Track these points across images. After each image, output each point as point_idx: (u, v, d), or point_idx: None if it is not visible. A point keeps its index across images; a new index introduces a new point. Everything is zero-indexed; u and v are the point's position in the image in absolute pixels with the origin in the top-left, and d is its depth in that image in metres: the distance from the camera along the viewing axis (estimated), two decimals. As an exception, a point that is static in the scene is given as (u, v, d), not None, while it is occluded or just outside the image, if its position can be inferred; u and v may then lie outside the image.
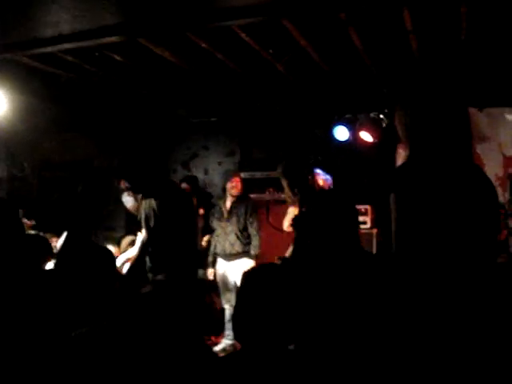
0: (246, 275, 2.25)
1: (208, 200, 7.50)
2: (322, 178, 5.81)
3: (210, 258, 6.65)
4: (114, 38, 4.88)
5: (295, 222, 4.39)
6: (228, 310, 6.62)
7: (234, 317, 2.19)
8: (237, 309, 2.18)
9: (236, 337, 2.19)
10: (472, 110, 6.68)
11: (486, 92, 6.30)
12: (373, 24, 5.07)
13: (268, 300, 2.09)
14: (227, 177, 6.67)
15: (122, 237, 6.66)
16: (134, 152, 4.57)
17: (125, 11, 4.49)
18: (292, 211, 6.12)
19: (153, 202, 4.42)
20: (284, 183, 5.52)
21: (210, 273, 6.64)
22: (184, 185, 6.97)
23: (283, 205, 6.51)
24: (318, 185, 5.84)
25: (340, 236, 3.27)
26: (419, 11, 4.62)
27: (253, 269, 2.41)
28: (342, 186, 6.10)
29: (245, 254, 6.43)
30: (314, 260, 3.07)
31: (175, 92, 7.40)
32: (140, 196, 4.68)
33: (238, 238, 6.44)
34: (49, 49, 4.99)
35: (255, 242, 6.43)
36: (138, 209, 5.73)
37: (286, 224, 5.78)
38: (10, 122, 6.29)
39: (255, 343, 2.06)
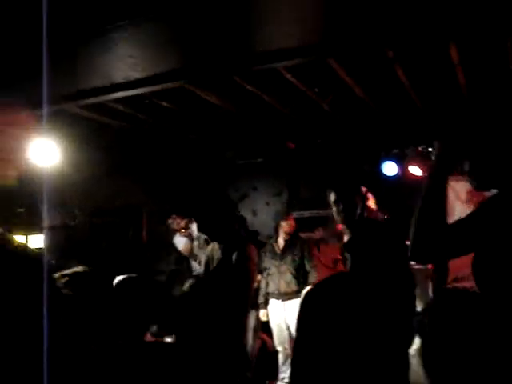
0: (306, 296, 2.20)
1: (255, 239, 7.50)
2: (374, 201, 5.75)
3: (262, 299, 6.59)
4: (169, 84, 4.97)
5: (347, 246, 4.35)
6: (281, 352, 6.53)
7: (294, 351, 2.13)
8: (298, 341, 2.12)
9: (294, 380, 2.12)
10: None
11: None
12: (418, 59, 5.05)
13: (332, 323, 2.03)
14: (281, 215, 6.72)
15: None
16: (208, 194, 4.64)
17: (180, 58, 4.58)
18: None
19: (216, 246, 4.44)
20: (335, 211, 5.48)
21: (263, 313, 6.57)
22: (238, 226, 7.00)
23: (332, 244, 6.49)
24: (370, 209, 5.78)
25: (389, 267, 3.21)
26: (466, 44, 4.59)
27: (312, 288, 2.33)
28: (393, 219, 6.00)
29: (300, 293, 6.37)
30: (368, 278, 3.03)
31: (222, 135, 7.49)
32: (200, 239, 4.71)
33: (293, 276, 6.40)
34: (102, 98, 5.11)
35: (312, 278, 6.38)
36: (190, 250, 5.77)
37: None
38: (62, 170, 6.42)
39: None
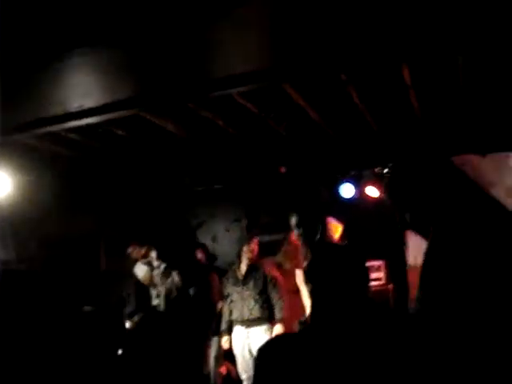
0: (261, 351, 2.13)
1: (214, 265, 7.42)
2: (335, 224, 5.75)
3: (225, 326, 6.46)
4: (124, 112, 4.90)
5: (308, 274, 4.31)
6: (246, 380, 6.42)
7: None
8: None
9: None
10: (475, 157, 6.67)
11: (488, 138, 6.31)
12: (372, 81, 5.11)
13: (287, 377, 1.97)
14: (243, 241, 6.66)
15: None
16: (166, 221, 4.56)
17: (135, 85, 4.53)
18: (300, 273, 6.07)
19: (177, 278, 4.36)
20: (296, 234, 5.44)
21: (225, 341, 6.45)
22: (200, 253, 6.90)
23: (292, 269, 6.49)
24: (330, 234, 5.78)
25: (350, 293, 3.16)
26: (418, 66, 4.65)
27: (266, 344, 2.27)
28: (352, 241, 6.02)
29: (264, 319, 6.29)
30: (329, 324, 2.98)
31: (179, 162, 7.42)
32: (161, 267, 4.61)
33: (256, 302, 6.30)
34: (56, 127, 5.01)
35: (279, 305, 6.30)
36: (150, 279, 5.67)
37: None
38: (13, 202, 6.28)
39: None
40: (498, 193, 6.74)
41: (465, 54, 4.36)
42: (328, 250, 4.33)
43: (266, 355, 2.09)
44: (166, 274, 6.00)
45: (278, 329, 6.22)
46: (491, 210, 2.76)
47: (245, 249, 6.51)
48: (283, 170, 7.33)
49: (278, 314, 6.28)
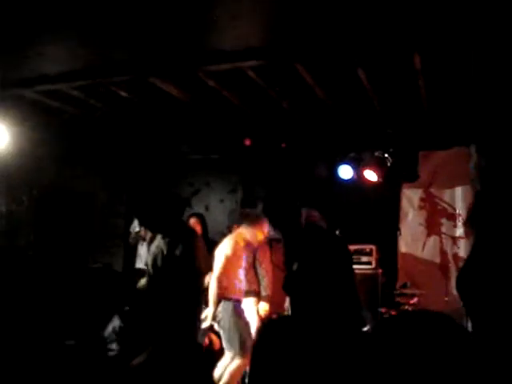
0: (261, 330, 2.12)
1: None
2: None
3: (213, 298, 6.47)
4: (120, 78, 4.84)
5: (285, 261, 4.31)
6: (229, 352, 6.44)
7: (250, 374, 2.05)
8: (253, 366, 2.05)
9: None
10: (441, 152, 6.80)
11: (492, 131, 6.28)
12: (381, 65, 5.05)
13: (285, 355, 1.96)
14: (234, 213, 6.63)
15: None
16: (145, 188, 4.51)
17: (135, 50, 4.46)
18: None
19: (161, 242, 4.33)
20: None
21: (212, 312, 6.45)
22: (193, 220, 6.83)
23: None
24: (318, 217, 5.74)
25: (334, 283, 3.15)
26: (430, 54, 4.60)
27: (265, 325, 2.26)
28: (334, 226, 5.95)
29: (250, 293, 6.29)
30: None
31: (178, 128, 7.36)
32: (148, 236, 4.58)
33: (244, 276, 6.30)
34: (57, 86, 4.94)
35: (265, 282, 6.30)
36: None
37: None
38: (11, 155, 6.22)
39: None
40: (464, 183, 6.78)
41: (477, 48, 4.31)
42: (312, 233, 4.32)
43: (263, 340, 2.09)
44: (152, 238, 5.88)
45: (264, 306, 6.24)
46: None
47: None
48: (248, 142, 7.27)
49: (263, 291, 6.29)
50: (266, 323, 2.19)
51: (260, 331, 2.10)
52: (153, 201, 4.20)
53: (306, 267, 3.71)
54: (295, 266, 3.79)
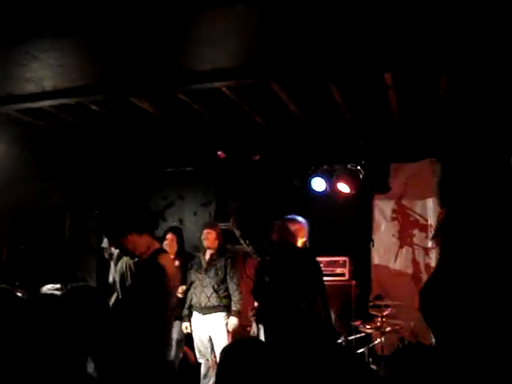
0: (225, 353, 2.15)
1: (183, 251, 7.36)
2: (297, 225, 5.72)
3: (186, 311, 6.48)
4: (97, 97, 4.83)
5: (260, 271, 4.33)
6: (203, 364, 6.45)
7: None
8: None
9: None
10: (411, 165, 6.92)
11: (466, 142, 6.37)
12: (353, 80, 5.12)
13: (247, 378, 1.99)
14: (201, 229, 6.64)
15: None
16: (112, 204, 4.46)
17: (107, 69, 4.45)
18: None
19: (129, 260, 4.30)
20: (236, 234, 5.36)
21: (184, 326, 6.47)
22: (170, 235, 6.83)
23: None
24: (289, 233, 5.73)
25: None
26: (400, 70, 4.67)
27: (230, 346, 2.28)
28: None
29: (220, 307, 6.31)
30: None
31: (150, 141, 7.35)
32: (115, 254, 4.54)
33: (214, 291, 6.32)
34: (28, 105, 4.90)
35: (236, 297, 6.31)
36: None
37: None
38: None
39: None
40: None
41: (448, 64, 4.39)
42: (282, 250, 4.35)
43: (228, 359, 2.11)
44: (120, 255, 5.78)
45: (233, 321, 6.26)
46: None
47: (202, 237, 6.53)
48: (222, 155, 7.29)
49: (233, 306, 6.32)
50: (228, 346, 2.20)
51: (223, 354, 2.13)
52: (118, 217, 4.14)
53: (276, 281, 3.73)
54: (266, 279, 3.81)
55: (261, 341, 2.67)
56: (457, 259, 2.32)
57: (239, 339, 2.51)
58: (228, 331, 6.28)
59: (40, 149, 7.02)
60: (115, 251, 5.59)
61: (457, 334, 2.14)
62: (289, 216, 5.57)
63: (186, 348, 6.79)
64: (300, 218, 5.56)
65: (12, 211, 7.95)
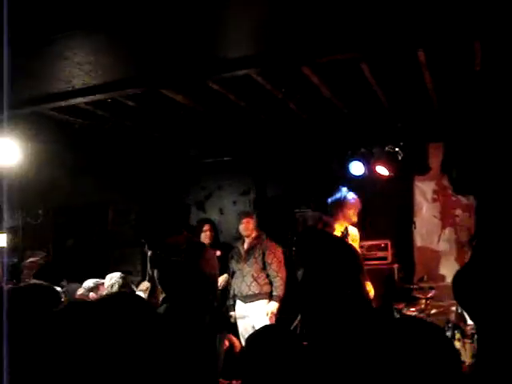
0: (249, 342, 2.14)
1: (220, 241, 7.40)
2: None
3: (230, 301, 6.56)
4: (129, 91, 4.87)
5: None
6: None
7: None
8: (242, 375, 2.07)
9: None
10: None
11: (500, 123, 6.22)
12: (386, 59, 5.03)
13: (271, 367, 1.98)
14: (239, 218, 6.66)
15: (139, 282, 6.59)
16: (148, 210, 4.50)
17: (139, 64, 4.48)
18: None
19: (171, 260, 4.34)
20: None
21: (229, 316, 6.53)
22: (207, 226, 6.88)
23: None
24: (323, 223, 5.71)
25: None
26: (434, 47, 4.57)
27: (255, 334, 2.27)
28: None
29: (262, 295, 6.33)
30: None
31: (186, 133, 7.39)
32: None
33: (254, 279, 6.34)
34: (61, 103, 4.99)
35: (276, 283, 6.32)
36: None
37: None
38: (23, 170, 6.28)
39: None
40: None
41: (482, 39, 4.28)
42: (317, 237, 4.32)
43: (252, 347, 2.11)
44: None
45: (272, 305, 6.27)
46: None
47: (239, 226, 6.54)
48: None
49: (274, 291, 6.33)
50: (253, 333, 2.19)
51: (248, 342, 2.12)
52: (151, 219, 4.22)
53: (311, 273, 3.71)
54: (300, 273, 3.80)
55: (288, 328, 2.66)
56: (490, 248, 2.29)
57: (264, 326, 2.47)
58: (270, 318, 6.29)
59: (80, 146, 7.13)
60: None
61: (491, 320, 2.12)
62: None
63: (231, 337, 6.84)
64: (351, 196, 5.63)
65: (56, 208, 8.09)
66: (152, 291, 4.68)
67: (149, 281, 4.74)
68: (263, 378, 1.98)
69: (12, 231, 7.23)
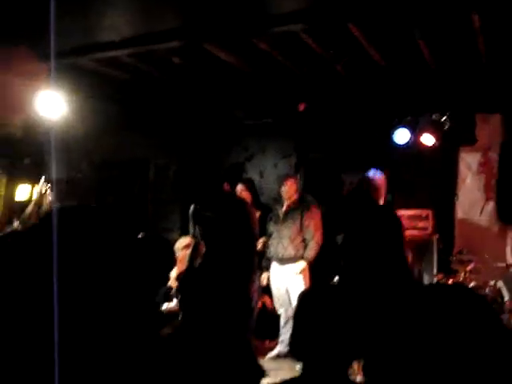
0: (302, 297, 2.16)
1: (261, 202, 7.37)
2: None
3: (265, 263, 6.56)
4: (174, 43, 4.84)
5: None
6: (282, 314, 6.52)
7: (292, 338, 2.10)
8: (295, 332, 2.09)
9: (295, 357, 2.10)
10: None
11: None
12: (439, 25, 4.88)
13: (325, 322, 2.00)
14: (280, 181, 6.62)
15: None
16: (187, 167, 4.54)
17: (185, 16, 4.44)
18: None
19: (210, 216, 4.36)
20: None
21: (263, 277, 6.53)
22: (240, 186, 6.87)
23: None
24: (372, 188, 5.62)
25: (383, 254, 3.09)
26: (488, 11, 4.41)
27: (308, 291, 2.29)
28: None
29: (298, 258, 6.32)
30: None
31: (232, 93, 7.35)
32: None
33: (291, 241, 6.33)
34: (107, 54, 4.99)
35: (310, 245, 6.31)
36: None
37: None
38: (68, 123, 6.34)
39: (315, 365, 1.97)
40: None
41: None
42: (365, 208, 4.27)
43: (305, 302, 2.13)
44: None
45: (301, 265, 6.28)
46: None
47: (281, 189, 6.51)
48: (302, 107, 7.16)
49: (306, 252, 6.32)
50: (306, 291, 2.21)
51: (300, 298, 2.13)
52: (190, 176, 4.24)
53: (351, 237, 3.69)
54: (340, 237, 3.78)
55: (340, 287, 2.66)
56: None
57: (317, 284, 2.50)
58: (305, 281, 6.29)
59: (124, 101, 7.16)
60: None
61: None
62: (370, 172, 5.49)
63: (266, 297, 6.88)
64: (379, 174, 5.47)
65: (98, 163, 8.18)
66: (195, 247, 4.72)
67: (192, 237, 4.77)
68: (315, 334, 2.02)
69: (58, 183, 7.34)
